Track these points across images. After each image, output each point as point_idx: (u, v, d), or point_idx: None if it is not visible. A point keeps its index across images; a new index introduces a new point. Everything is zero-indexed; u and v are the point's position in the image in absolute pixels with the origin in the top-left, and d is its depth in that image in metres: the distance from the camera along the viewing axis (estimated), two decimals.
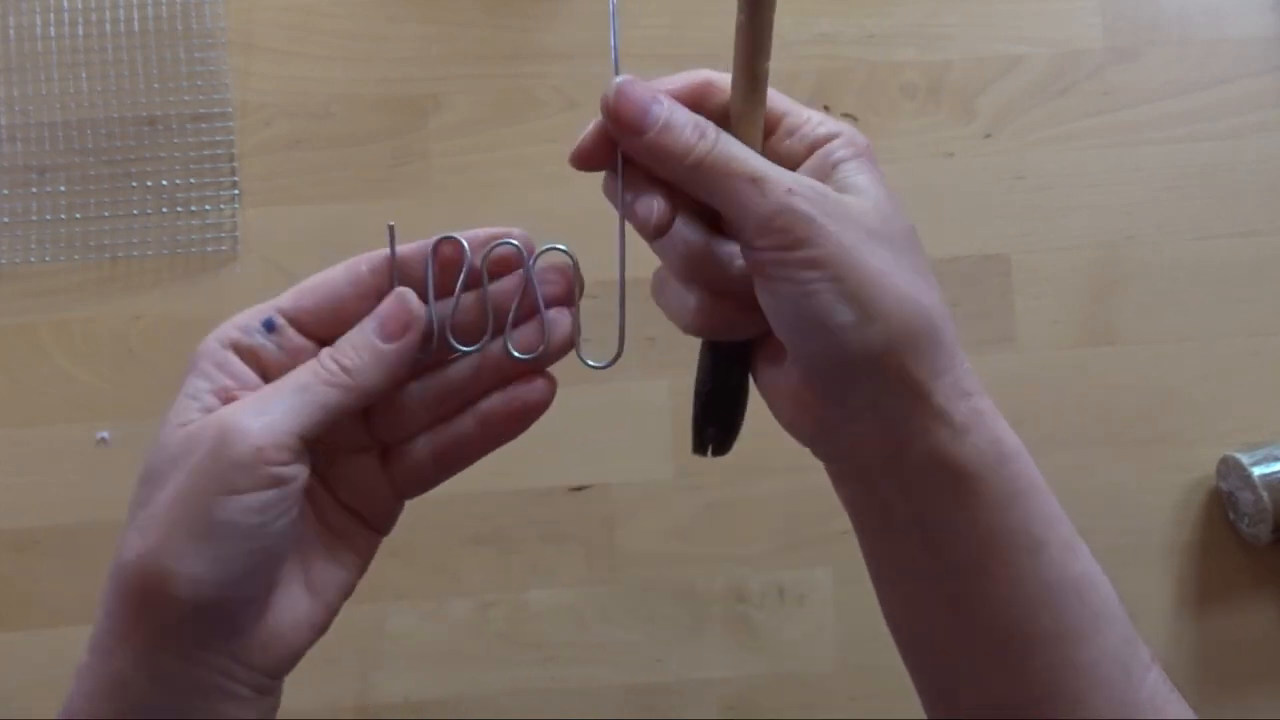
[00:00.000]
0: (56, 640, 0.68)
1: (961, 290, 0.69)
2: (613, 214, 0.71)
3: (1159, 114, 0.71)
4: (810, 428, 0.41)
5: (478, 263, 0.41)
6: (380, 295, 0.41)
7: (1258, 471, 0.66)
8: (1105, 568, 0.65)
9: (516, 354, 0.41)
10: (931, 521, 0.40)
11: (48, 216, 0.70)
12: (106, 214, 0.70)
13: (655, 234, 0.41)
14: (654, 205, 0.40)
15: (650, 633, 0.69)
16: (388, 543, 0.68)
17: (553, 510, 0.69)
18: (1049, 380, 0.69)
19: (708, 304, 0.42)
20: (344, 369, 0.39)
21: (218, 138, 0.71)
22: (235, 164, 0.71)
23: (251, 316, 0.39)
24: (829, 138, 0.40)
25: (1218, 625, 0.69)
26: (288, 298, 0.40)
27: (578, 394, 0.65)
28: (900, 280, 0.38)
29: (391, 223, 0.40)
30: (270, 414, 0.37)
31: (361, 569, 0.43)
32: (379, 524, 0.43)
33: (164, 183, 0.70)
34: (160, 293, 0.70)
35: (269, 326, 0.39)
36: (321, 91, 0.71)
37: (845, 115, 0.70)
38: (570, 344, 0.42)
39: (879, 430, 0.40)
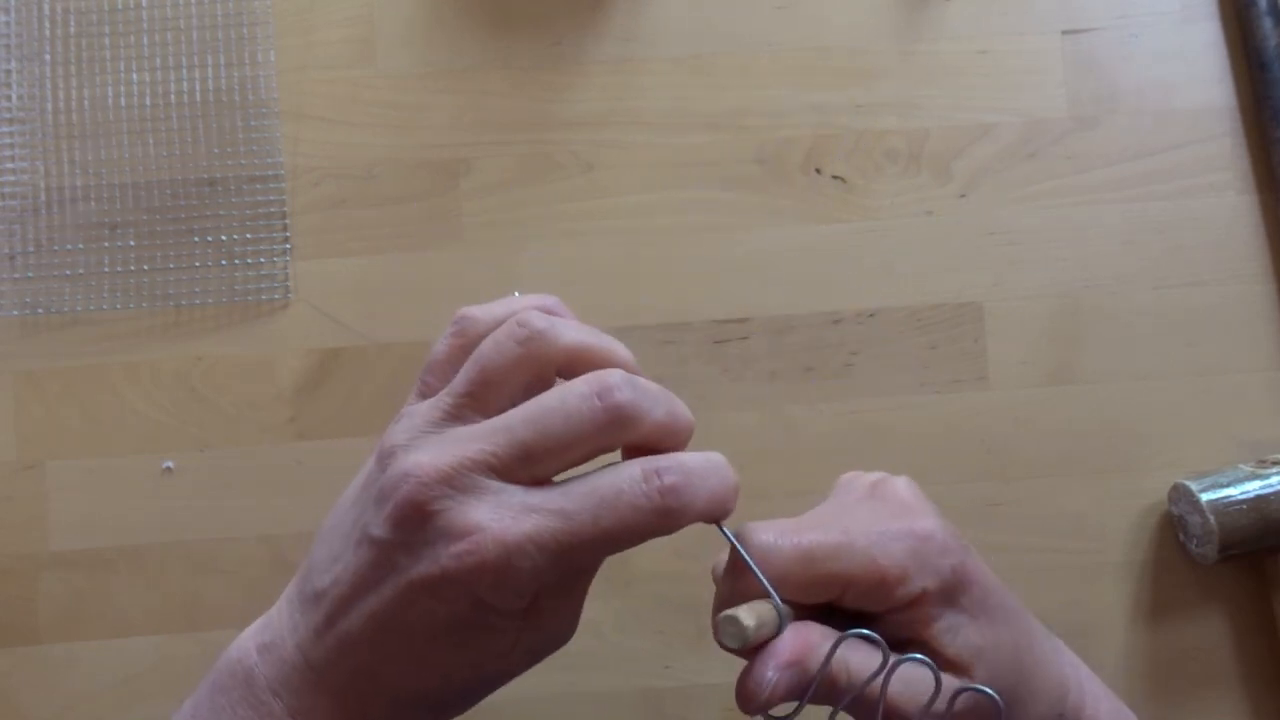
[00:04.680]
0: (125, 650, 0.71)
1: (940, 334, 0.72)
2: (627, 266, 0.76)
3: (1117, 176, 0.73)
4: None
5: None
6: None
7: (1205, 497, 0.67)
8: (1069, 585, 0.71)
9: None
10: None
11: (119, 269, 0.72)
12: (171, 266, 0.72)
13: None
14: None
15: (660, 642, 0.71)
16: None
17: None
18: (1018, 415, 0.72)
19: None
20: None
21: (271, 198, 0.72)
22: (287, 221, 0.73)
23: None
24: (908, 603, 0.38)
25: (1169, 636, 0.71)
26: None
27: None
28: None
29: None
30: None
31: None
32: None
33: (223, 238, 0.72)
34: (219, 337, 0.72)
35: None
36: (365, 156, 0.73)
37: (835, 177, 0.73)
38: None
39: None
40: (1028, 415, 0.72)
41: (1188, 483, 0.69)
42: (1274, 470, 0.68)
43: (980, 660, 0.39)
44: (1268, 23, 0.72)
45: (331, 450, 0.72)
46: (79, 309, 0.72)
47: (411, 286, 0.73)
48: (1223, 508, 0.67)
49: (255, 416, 0.72)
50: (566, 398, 0.37)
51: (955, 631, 0.38)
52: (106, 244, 0.73)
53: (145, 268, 0.72)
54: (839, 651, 0.36)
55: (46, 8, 0.73)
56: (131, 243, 0.73)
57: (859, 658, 0.37)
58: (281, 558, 0.72)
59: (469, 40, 0.74)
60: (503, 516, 0.35)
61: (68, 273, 0.72)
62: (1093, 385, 0.72)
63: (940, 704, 0.37)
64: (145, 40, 0.73)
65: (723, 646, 0.37)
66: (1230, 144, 0.73)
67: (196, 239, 0.73)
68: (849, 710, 0.38)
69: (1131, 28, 0.74)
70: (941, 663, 0.38)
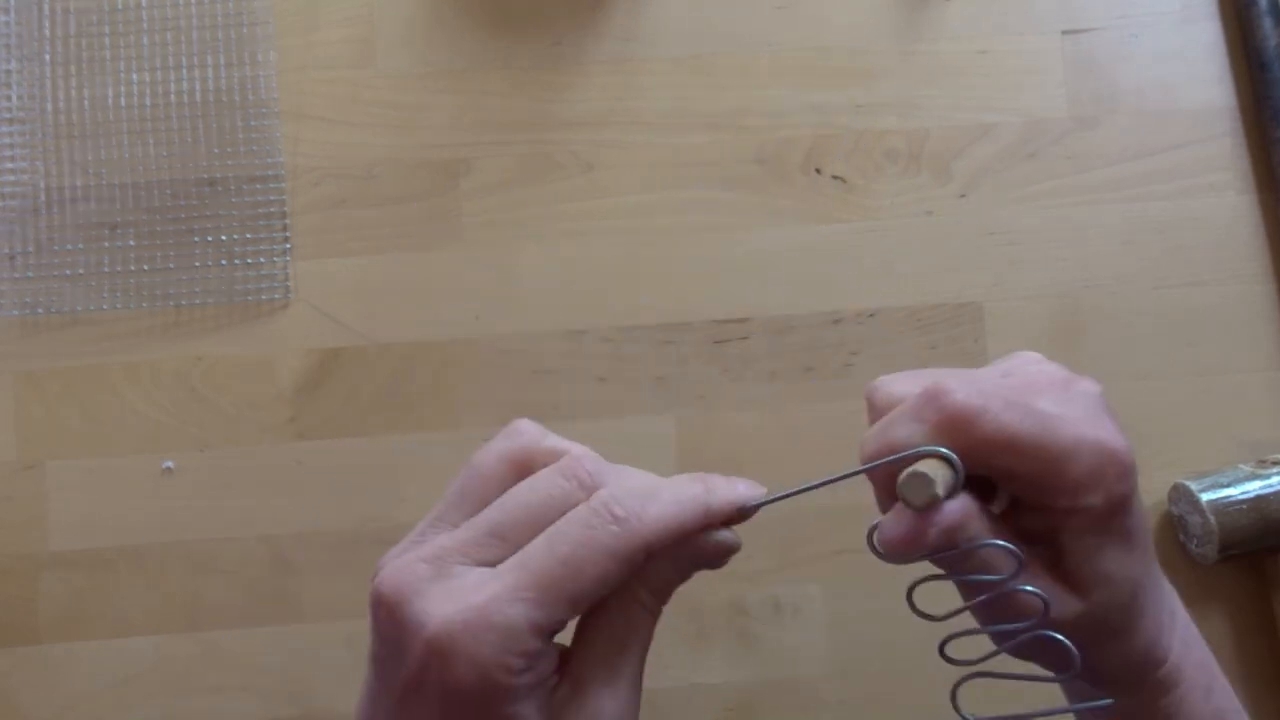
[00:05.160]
0: (125, 649, 0.71)
1: (940, 334, 0.72)
2: (627, 266, 0.76)
3: (1117, 176, 0.73)
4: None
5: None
6: None
7: (1205, 497, 0.67)
8: None
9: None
10: None
11: (118, 268, 0.72)
12: (171, 266, 0.72)
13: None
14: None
15: (659, 641, 0.71)
16: None
17: None
18: None
19: None
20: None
21: (271, 197, 0.72)
22: (287, 221, 0.73)
23: None
24: (1071, 513, 0.38)
25: None
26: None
27: (595, 429, 0.71)
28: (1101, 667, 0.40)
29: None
30: None
31: None
32: None
33: (223, 238, 0.72)
34: (219, 337, 0.72)
35: None
36: (364, 156, 0.73)
37: (835, 177, 0.73)
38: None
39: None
40: None
41: (1188, 483, 0.69)
42: (1274, 470, 0.68)
43: (1102, 587, 0.38)
44: (1268, 23, 0.72)
45: (331, 450, 0.72)
46: (79, 309, 0.72)
47: (411, 286, 0.73)
48: (1223, 508, 0.67)
49: (255, 416, 0.72)
50: (535, 481, 0.37)
51: (1094, 552, 0.38)
52: (106, 244, 0.73)
53: (145, 268, 0.72)
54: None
55: (46, 8, 0.73)
56: (131, 243, 0.73)
57: (995, 549, 0.37)
58: (281, 558, 0.72)
59: (469, 40, 0.74)
60: (465, 594, 0.34)
61: (68, 273, 0.72)
62: None
63: (1026, 633, 0.37)
64: (145, 40, 0.73)
65: (903, 500, 0.35)
66: (1230, 144, 0.73)
67: (196, 239, 0.73)
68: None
69: (1131, 28, 0.74)
70: (1063, 574, 0.38)
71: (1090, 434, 0.37)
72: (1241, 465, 0.70)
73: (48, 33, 0.73)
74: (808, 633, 0.71)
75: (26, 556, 0.71)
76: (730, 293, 0.73)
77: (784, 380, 0.73)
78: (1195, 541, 0.69)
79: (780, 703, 0.71)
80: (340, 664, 0.71)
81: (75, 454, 0.72)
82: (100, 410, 0.72)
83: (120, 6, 0.73)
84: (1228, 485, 0.68)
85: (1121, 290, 0.73)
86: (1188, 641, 0.42)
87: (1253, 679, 0.71)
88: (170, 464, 0.72)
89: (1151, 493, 0.72)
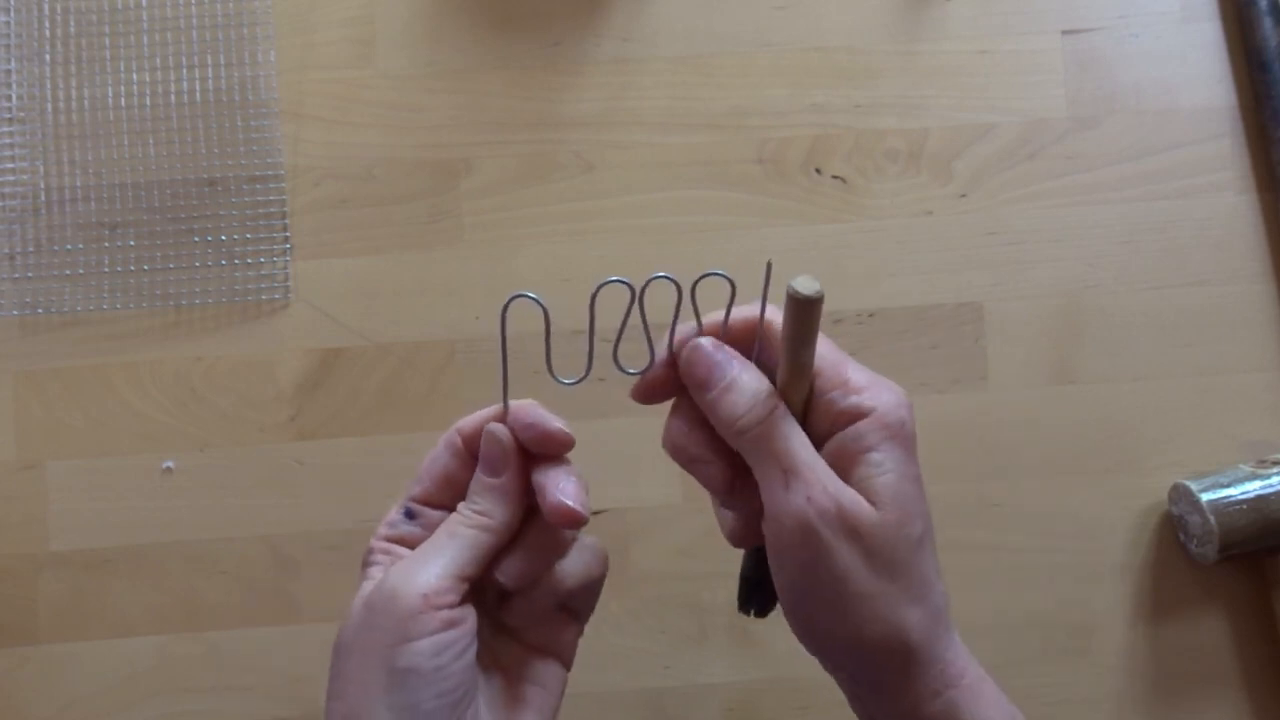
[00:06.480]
0: (126, 649, 0.71)
1: (940, 334, 0.72)
2: (627, 266, 0.77)
3: (1117, 176, 0.73)
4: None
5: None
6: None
7: (1205, 497, 0.67)
8: (1069, 585, 0.71)
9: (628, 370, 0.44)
10: None
11: (118, 269, 0.72)
12: (171, 266, 0.72)
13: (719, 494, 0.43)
14: (712, 473, 0.41)
15: (660, 642, 0.71)
16: None
17: None
18: (1018, 416, 0.72)
19: (741, 525, 0.43)
20: (477, 511, 0.41)
21: (271, 197, 0.72)
22: (287, 221, 0.73)
23: (394, 512, 0.44)
24: (857, 414, 0.41)
25: (1170, 636, 0.71)
26: (414, 486, 0.44)
27: (597, 428, 0.71)
28: (884, 606, 0.39)
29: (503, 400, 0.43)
30: (429, 564, 0.39)
31: (553, 706, 0.43)
32: (562, 658, 0.44)
33: (223, 238, 0.72)
34: (220, 337, 0.72)
35: (409, 515, 0.42)
36: (364, 156, 0.73)
37: (835, 177, 0.73)
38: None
39: (858, 703, 0.42)
40: (1028, 415, 0.72)
41: (1188, 483, 0.69)
42: (1274, 470, 0.68)
43: (892, 503, 0.40)
44: (1268, 23, 0.72)
45: (331, 450, 0.72)
46: (79, 309, 0.72)
47: (411, 286, 0.73)
48: (1223, 508, 0.67)
49: (255, 416, 0.72)
50: None
51: (883, 465, 0.40)
52: (106, 244, 0.72)
53: (145, 268, 0.72)
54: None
55: (46, 8, 0.73)
56: (131, 243, 0.72)
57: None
58: (281, 558, 0.72)
59: (469, 40, 0.74)
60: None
61: (68, 273, 0.72)
62: (1093, 385, 0.72)
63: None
64: (145, 40, 0.73)
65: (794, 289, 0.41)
66: (1230, 144, 0.73)
67: (196, 239, 0.72)
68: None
69: (1131, 28, 0.74)
70: (860, 490, 0.41)
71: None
72: (1241, 465, 0.69)
73: (48, 33, 0.73)
74: None
75: (26, 556, 0.71)
76: None
77: None
78: (1195, 541, 0.69)
79: (780, 703, 0.70)
80: None
81: (75, 454, 0.72)
82: (100, 410, 0.72)
83: (120, 6, 0.73)
84: (1228, 485, 0.68)
85: (1121, 290, 0.73)
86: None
87: (1253, 679, 0.71)
88: (170, 464, 0.72)
89: (1151, 493, 0.72)
